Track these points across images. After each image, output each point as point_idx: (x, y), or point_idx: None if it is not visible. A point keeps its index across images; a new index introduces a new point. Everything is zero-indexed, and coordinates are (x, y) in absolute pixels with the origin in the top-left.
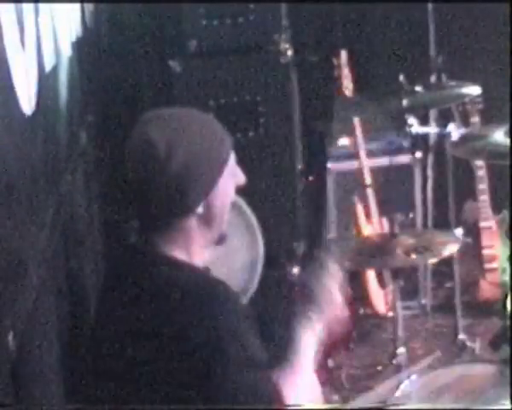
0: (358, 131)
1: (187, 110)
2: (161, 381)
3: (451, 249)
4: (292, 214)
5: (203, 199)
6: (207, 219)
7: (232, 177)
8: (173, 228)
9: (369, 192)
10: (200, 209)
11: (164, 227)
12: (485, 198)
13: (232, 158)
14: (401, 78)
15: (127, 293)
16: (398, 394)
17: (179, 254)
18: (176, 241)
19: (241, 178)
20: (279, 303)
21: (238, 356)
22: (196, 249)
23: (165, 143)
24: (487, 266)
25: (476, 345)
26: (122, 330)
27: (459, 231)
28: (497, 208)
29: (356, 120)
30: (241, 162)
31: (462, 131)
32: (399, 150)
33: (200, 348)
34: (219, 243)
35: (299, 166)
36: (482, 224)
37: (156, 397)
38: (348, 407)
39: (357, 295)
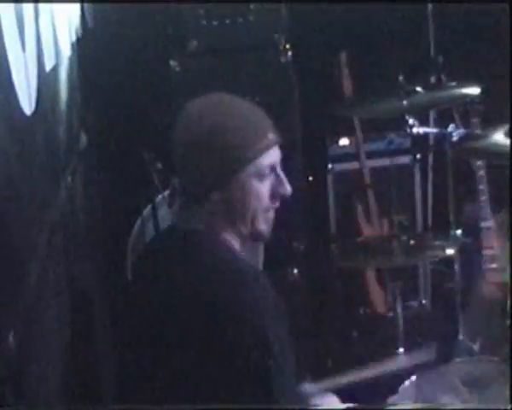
0: (358, 131)
1: (235, 99)
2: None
3: (451, 249)
4: (292, 214)
5: (217, 186)
6: (229, 212)
7: (263, 179)
8: (201, 207)
9: (369, 192)
10: (216, 197)
11: (193, 205)
12: (485, 198)
13: (269, 162)
14: (401, 78)
15: (163, 268)
16: (398, 394)
17: (215, 236)
18: (209, 224)
19: (283, 187)
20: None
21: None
22: (230, 236)
23: (195, 112)
24: (487, 266)
25: (476, 345)
26: (156, 310)
27: (459, 232)
28: (497, 208)
29: (356, 120)
30: None
31: (462, 131)
32: (399, 150)
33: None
34: (255, 240)
35: (299, 167)
36: (482, 224)
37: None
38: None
39: (357, 295)
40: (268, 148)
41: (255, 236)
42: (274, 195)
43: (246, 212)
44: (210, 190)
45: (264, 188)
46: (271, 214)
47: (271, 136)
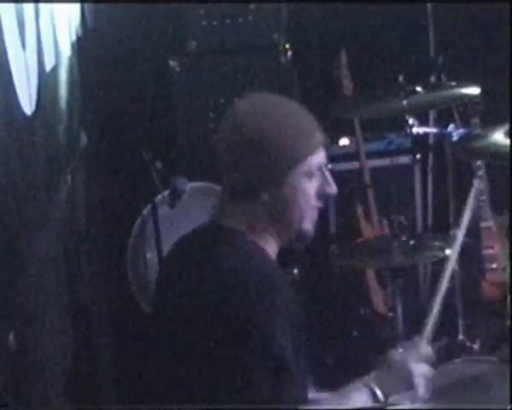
0: (358, 131)
1: (283, 99)
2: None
3: (451, 250)
4: None
5: (268, 187)
6: (276, 212)
7: (311, 179)
8: (249, 210)
9: (369, 192)
10: (265, 196)
11: (242, 207)
12: (485, 198)
13: (317, 161)
14: (401, 78)
15: (194, 264)
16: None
17: (256, 238)
18: (251, 224)
19: (330, 187)
20: None
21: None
22: (269, 240)
23: (244, 112)
24: (487, 266)
25: (476, 345)
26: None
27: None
28: (497, 208)
29: (356, 120)
30: None
31: (462, 131)
32: (399, 150)
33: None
34: (299, 242)
35: None
36: (482, 224)
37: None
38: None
39: (357, 295)
40: (317, 147)
41: (300, 236)
42: (320, 194)
43: (295, 211)
44: (261, 189)
45: (312, 187)
46: (316, 215)
47: (319, 135)
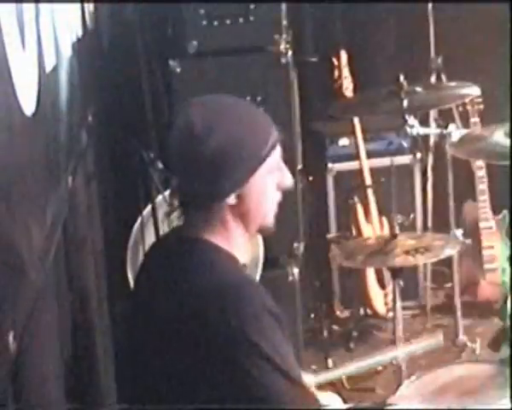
0: (358, 131)
1: (237, 99)
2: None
3: (451, 250)
4: (292, 214)
5: (235, 190)
6: (242, 213)
7: (272, 175)
8: (211, 215)
9: (369, 192)
10: (231, 200)
11: (203, 213)
12: (485, 198)
13: (275, 157)
14: (401, 78)
15: (164, 275)
16: (398, 394)
17: (220, 241)
18: (215, 229)
19: (286, 180)
20: (279, 303)
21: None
22: (234, 241)
23: (203, 123)
24: (487, 266)
25: (476, 345)
26: (158, 317)
27: (459, 232)
28: (497, 208)
29: (356, 120)
30: None
31: (462, 131)
32: (399, 150)
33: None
34: (262, 233)
35: (299, 166)
36: (482, 224)
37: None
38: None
39: (357, 295)
40: (275, 145)
41: (263, 229)
42: (279, 187)
43: (260, 209)
44: (225, 194)
45: (273, 183)
46: (276, 207)
47: (275, 132)
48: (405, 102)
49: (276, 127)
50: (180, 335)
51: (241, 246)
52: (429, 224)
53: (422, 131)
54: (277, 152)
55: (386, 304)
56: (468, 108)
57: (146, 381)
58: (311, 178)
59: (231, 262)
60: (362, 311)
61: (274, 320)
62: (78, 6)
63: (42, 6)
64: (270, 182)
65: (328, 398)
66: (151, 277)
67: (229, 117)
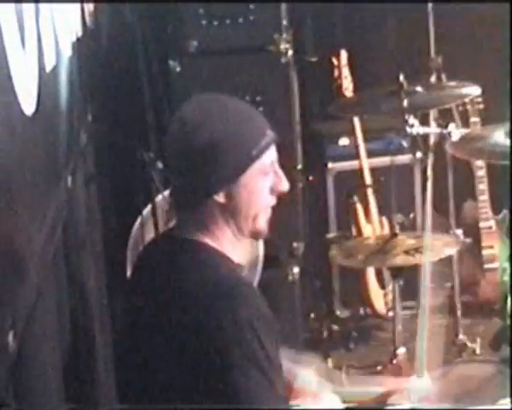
0: (358, 131)
1: (233, 99)
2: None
3: (451, 250)
4: (292, 214)
5: (223, 187)
6: (231, 212)
7: (265, 177)
8: (202, 215)
9: (369, 192)
10: (220, 198)
11: (194, 213)
12: (485, 198)
13: (270, 159)
14: (401, 78)
15: (156, 276)
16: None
17: (210, 241)
18: (205, 229)
19: (282, 184)
20: (279, 303)
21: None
22: (226, 240)
23: (195, 117)
24: (487, 266)
25: (476, 345)
26: (151, 319)
27: (459, 232)
28: (497, 208)
29: (356, 120)
30: None
31: (462, 131)
32: (399, 150)
33: (209, 340)
34: (255, 238)
35: (299, 166)
36: (482, 224)
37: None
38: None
39: (357, 295)
40: (268, 145)
41: (255, 234)
42: (274, 191)
43: (250, 210)
44: (216, 190)
45: (266, 185)
46: (269, 211)
47: (270, 133)
48: (405, 102)
49: (271, 129)
50: (173, 335)
51: (235, 246)
52: (429, 224)
53: (422, 130)
54: (271, 154)
55: (386, 304)
56: (468, 107)
57: (142, 381)
58: (310, 178)
59: (224, 262)
60: (362, 311)
61: (266, 323)
62: (78, 6)
63: (42, 6)
64: (263, 184)
65: (328, 398)
66: (144, 277)
67: (221, 113)
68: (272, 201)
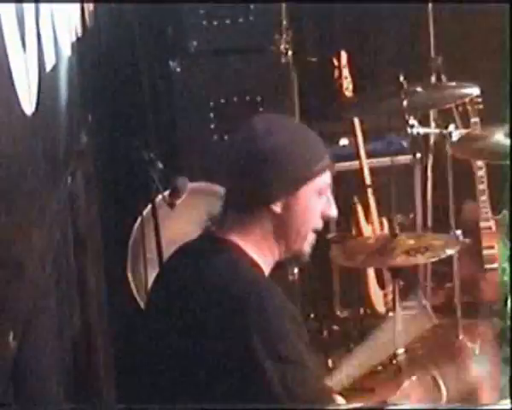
0: (358, 131)
1: (299, 122)
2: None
3: (451, 250)
4: None
5: (281, 197)
6: (284, 224)
7: (320, 199)
8: (252, 219)
9: (369, 192)
10: (277, 208)
11: (244, 216)
12: (485, 198)
13: (325, 181)
14: (401, 78)
15: (188, 273)
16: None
17: (250, 247)
18: (249, 233)
19: (331, 209)
20: None
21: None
22: (266, 252)
23: (264, 126)
24: (487, 266)
25: (476, 345)
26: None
27: (459, 232)
28: (497, 208)
29: (356, 120)
30: None
31: (462, 131)
32: (399, 150)
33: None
34: (295, 262)
35: None
36: (482, 224)
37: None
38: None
39: (357, 295)
40: (326, 168)
41: (298, 255)
42: (323, 215)
43: (302, 226)
44: (274, 199)
45: (319, 206)
46: (314, 237)
47: (327, 158)
48: (405, 102)
49: (328, 156)
50: (201, 332)
51: (268, 260)
52: (429, 224)
53: (422, 131)
54: (328, 178)
55: (386, 304)
56: (468, 108)
57: (165, 379)
58: None
59: (255, 268)
60: (362, 311)
61: (294, 324)
62: (77, 6)
63: (42, 6)
64: (317, 204)
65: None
66: (176, 272)
67: (289, 127)
68: (320, 224)
